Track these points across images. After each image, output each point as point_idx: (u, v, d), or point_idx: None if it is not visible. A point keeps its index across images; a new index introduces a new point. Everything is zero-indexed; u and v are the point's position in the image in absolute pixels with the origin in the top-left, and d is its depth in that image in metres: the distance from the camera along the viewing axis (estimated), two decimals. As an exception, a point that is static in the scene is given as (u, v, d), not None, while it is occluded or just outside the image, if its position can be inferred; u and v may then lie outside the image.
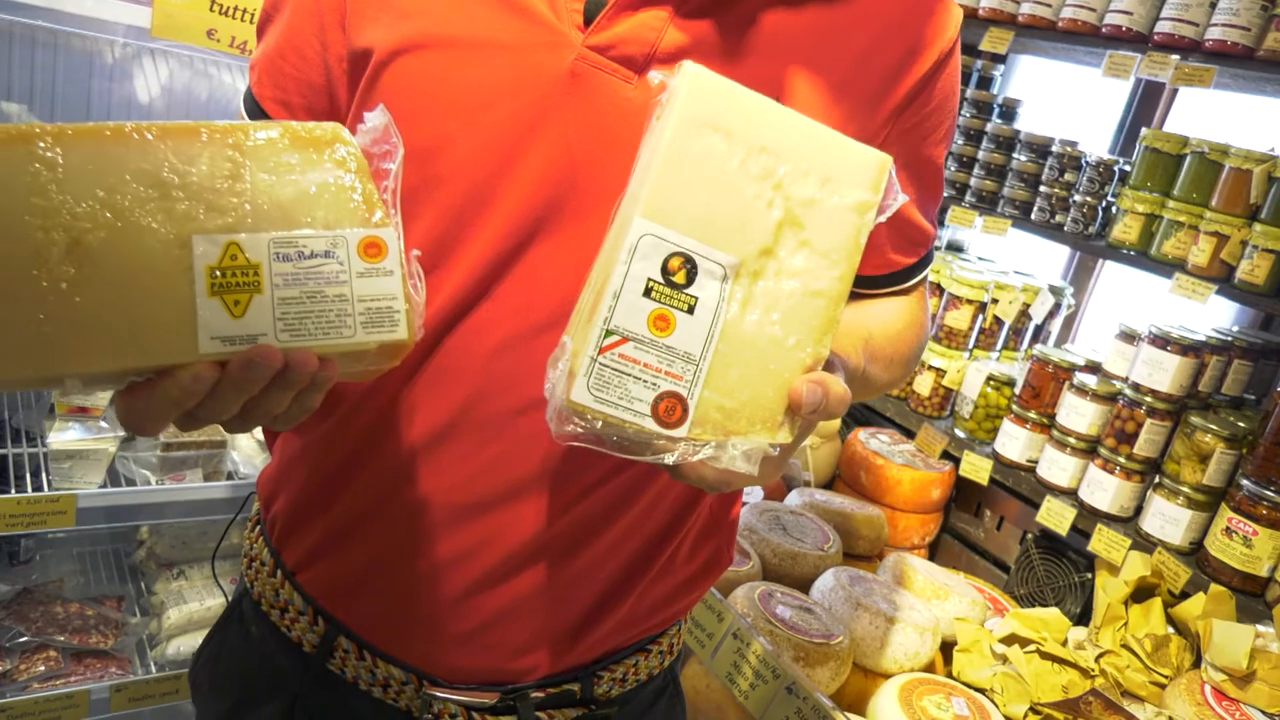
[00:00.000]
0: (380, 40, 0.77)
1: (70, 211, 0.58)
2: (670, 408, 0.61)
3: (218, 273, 0.61)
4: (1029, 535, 1.98)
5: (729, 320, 0.62)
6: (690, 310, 0.61)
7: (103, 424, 1.63)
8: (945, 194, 2.27)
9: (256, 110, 0.85)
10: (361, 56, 0.78)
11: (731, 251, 0.62)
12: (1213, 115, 2.24)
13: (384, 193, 0.67)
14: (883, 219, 0.67)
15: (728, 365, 0.62)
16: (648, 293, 0.60)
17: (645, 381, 0.60)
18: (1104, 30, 1.95)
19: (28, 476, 1.63)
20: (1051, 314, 2.25)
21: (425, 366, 0.79)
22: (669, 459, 0.61)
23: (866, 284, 0.93)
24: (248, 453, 1.78)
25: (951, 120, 0.91)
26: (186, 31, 1.35)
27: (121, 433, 1.66)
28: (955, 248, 2.52)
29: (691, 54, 0.74)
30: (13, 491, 1.54)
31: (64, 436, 1.58)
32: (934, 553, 2.20)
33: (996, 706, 1.50)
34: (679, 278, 0.61)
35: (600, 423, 0.60)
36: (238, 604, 0.97)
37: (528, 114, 0.74)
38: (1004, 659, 1.60)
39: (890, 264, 0.92)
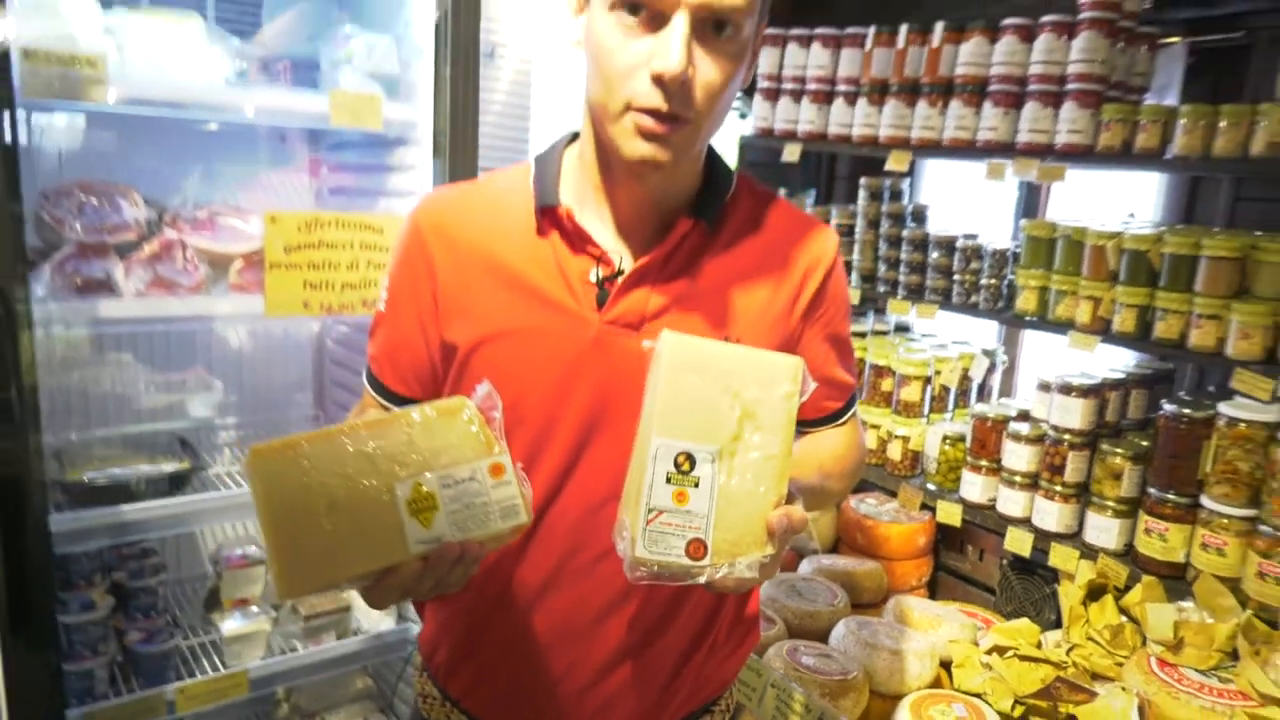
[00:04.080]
0: (464, 336, 1.17)
1: (322, 482, 0.93)
2: (696, 548, 0.97)
3: (411, 503, 0.94)
4: (1005, 561, 2.35)
5: (721, 485, 0.99)
6: (697, 485, 0.98)
7: (254, 609, 2.03)
8: (882, 289, 2.72)
9: (380, 387, 1.25)
10: (450, 347, 1.19)
11: (714, 443, 1.00)
12: (1089, 191, 2.70)
13: (497, 434, 1.00)
14: (803, 399, 1.03)
15: (726, 513, 0.98)
16: (668, 480, 0.98)
17: (678, 535, 0.97)
18: (979, 144, 2.41)
19: (204, 660, 2.00)
20: (989, 372, 2.68)
21: (532, 538, 1.18)
22: (702, 579, 0.98)
23: (812, 424, 1.30)
24: (364, 610, 2.19)
25: (848, 305, 1.30)
26: (287, 306, 1.83)
27: (273, 613, 2.07)
28: (903, 328, 2.95)
29: (670, 310, 1.12)
30: (196, 675, 1.94)
31: (231, 624, 1.98)
32: (934, 589, 2.54)
33: (990, 705, 1.88)
34: (685, 466, 0.99)
35: (656, 566, 0.96)
36: None
37: (571, 372, 1.14)
38: (989, 666, 1.99)
39: (825, 409, 1.31)
